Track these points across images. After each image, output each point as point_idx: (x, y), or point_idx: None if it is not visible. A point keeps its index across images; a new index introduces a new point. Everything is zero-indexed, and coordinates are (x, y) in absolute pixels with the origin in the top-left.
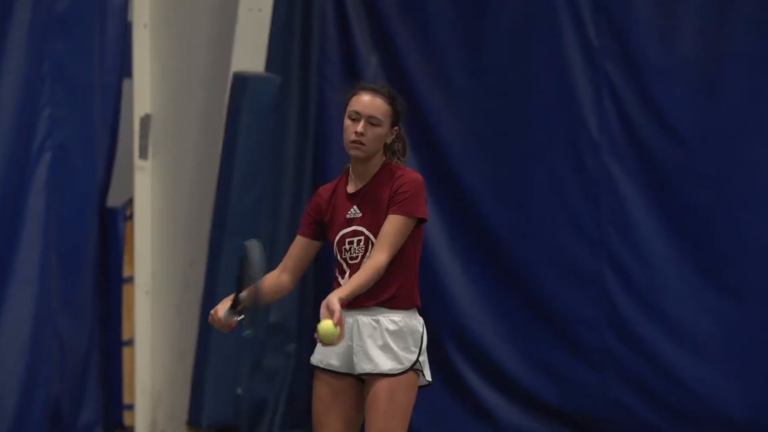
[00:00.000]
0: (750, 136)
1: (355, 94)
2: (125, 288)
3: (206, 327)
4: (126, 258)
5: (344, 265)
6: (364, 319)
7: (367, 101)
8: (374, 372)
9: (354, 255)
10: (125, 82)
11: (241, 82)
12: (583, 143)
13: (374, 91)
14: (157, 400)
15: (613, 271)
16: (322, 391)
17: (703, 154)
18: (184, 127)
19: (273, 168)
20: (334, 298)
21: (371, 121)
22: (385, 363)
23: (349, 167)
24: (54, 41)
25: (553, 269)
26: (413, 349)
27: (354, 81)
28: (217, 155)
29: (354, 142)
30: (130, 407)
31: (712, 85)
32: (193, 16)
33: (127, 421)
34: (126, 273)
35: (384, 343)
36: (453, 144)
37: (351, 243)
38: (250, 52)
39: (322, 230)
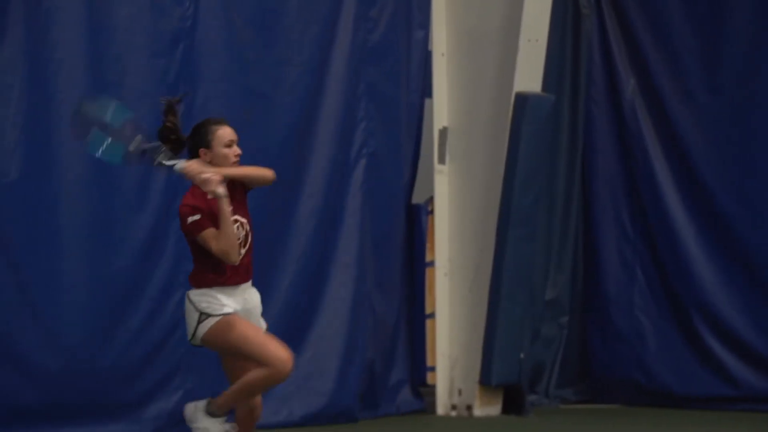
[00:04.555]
0: None
1: (218, 127)
2: (427, 270)
3: (495, 303)
4: (428, 246)
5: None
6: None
7: (231, 131)
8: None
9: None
10: (426, 101)
11: (521, 100)
12: None
13: (226, 122)
14: (454, 363)
15: None
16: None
17: None
18: (475, 138)
19: (548, 172)
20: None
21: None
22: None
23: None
24: (368, 67)
25: None
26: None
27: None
28: (502, 161)
29: (235, 163)
30: (432, 369)
31: None
32: (482, 47)
33: (429, 380)
34: (428, 258)
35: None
36: (697, 152)
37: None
38: (529, 75)
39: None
